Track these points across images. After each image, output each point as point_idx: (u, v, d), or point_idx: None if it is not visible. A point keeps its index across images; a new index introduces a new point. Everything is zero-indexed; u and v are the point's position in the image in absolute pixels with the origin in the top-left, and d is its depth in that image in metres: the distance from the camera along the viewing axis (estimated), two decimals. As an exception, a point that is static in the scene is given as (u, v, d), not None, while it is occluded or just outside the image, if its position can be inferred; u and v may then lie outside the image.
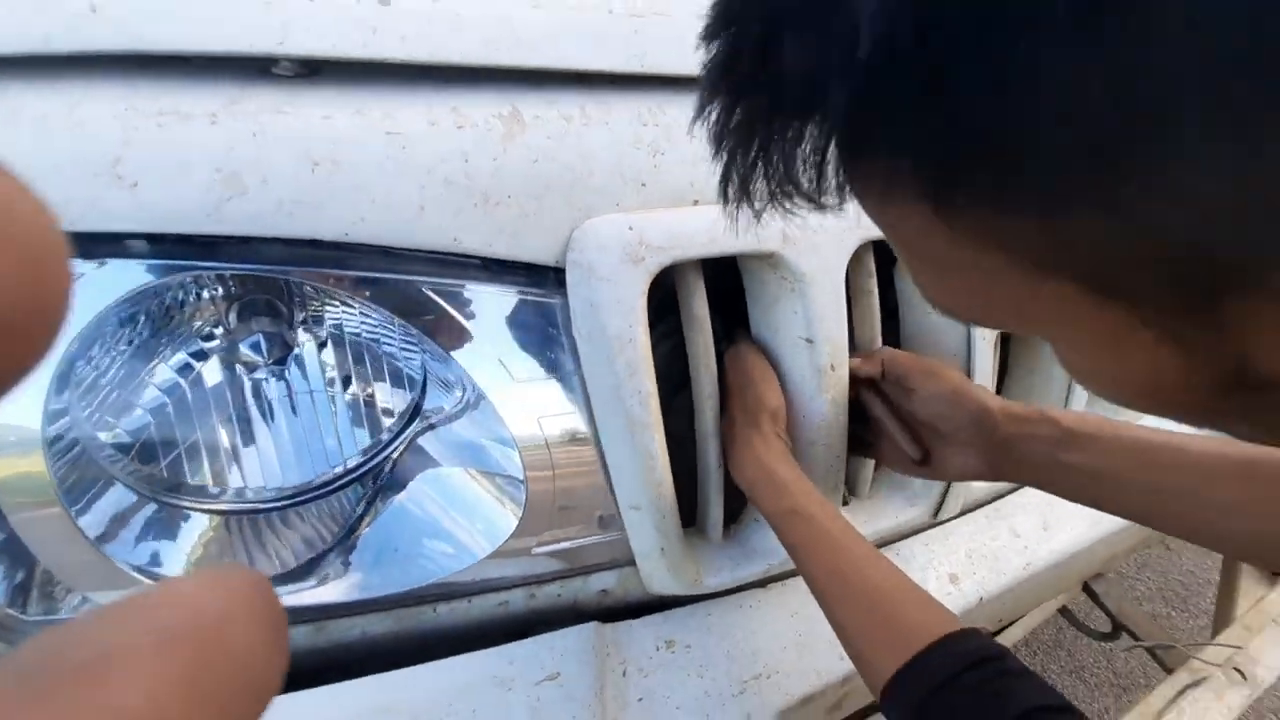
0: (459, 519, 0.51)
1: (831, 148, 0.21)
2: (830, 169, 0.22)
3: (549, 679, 0.52)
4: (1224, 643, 0.67)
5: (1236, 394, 0.20)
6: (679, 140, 0.49)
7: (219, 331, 0.49)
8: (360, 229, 0.41)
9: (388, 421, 0.50)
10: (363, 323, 0.48)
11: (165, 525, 0.45)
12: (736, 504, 0.63)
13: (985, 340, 0.59)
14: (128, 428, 0.44)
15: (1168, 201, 0.16)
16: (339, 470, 0.50)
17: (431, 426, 0.51)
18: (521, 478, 0.49)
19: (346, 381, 0.49)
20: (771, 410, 0.52)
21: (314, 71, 0.43)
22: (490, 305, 0.47)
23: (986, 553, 0.69)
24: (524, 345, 0.48)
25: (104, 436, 0.43)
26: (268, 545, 0.48)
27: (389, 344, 0.50)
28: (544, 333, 0.48)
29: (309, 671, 0.50)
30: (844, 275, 0.54)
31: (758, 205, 0.25)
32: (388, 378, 0.50)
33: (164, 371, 0.47)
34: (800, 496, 0.49)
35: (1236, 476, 0.42)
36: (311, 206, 0.40)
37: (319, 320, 0.49)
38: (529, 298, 0.47)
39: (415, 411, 0.51)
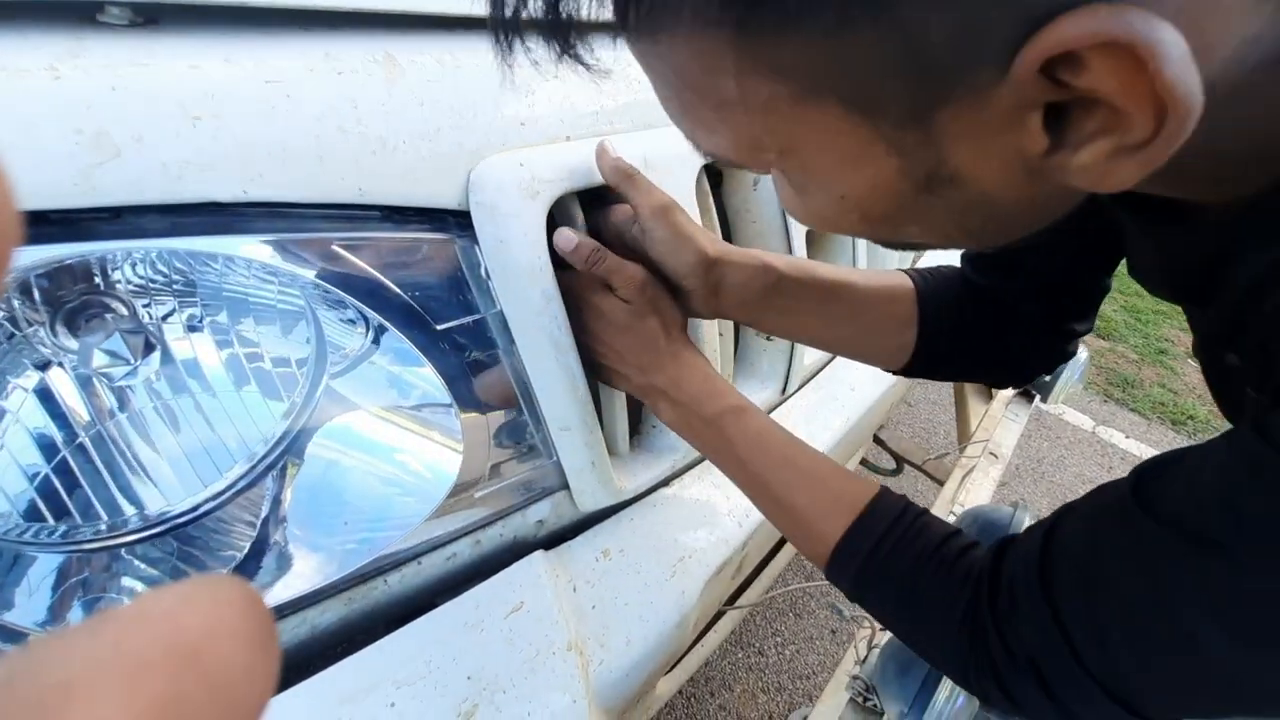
0: (400, 471, 0.50)
1: None
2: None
3: (514, 611, 0.54)
4: (979, 439, 0.92)
5: (924, 195, 0.27)
6: (544, 81, 0.52)
7: (49, 352, 0.42)
8: (259, 186, 0.39)
9: (292, 386, 0.47)
10: (249, 290, 0.45)
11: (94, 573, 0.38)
12: (631, 415, 0.69)
13: (800, 235, 0.72)
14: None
15: (928, 9, 0.21)
16: (252, 457, 0.46)
17: (341, 373, 0.48)
18: (448, 402, 0.50)
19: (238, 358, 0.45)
20: (681, 323, 0.56)
21: (150, 20, 0.38)
22: (396, 255, 0.46)
23: (819, 417, 0.85)
24: (435, 291, 0.48)
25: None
26: (198, 557, 0.43)
27: (272, 305, 0.46)
28: (452, 276, 0.49)
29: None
30: (694, 195, 0.62)
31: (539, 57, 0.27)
32: (280, 341, 0.47)
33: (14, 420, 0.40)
34: (735, 395, 0.53)
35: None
36: (200, 166, 0.37)
37: (189, 300, 0.44)
38: (432, 243, 0.48)
39: (321, 370, 0.48)
